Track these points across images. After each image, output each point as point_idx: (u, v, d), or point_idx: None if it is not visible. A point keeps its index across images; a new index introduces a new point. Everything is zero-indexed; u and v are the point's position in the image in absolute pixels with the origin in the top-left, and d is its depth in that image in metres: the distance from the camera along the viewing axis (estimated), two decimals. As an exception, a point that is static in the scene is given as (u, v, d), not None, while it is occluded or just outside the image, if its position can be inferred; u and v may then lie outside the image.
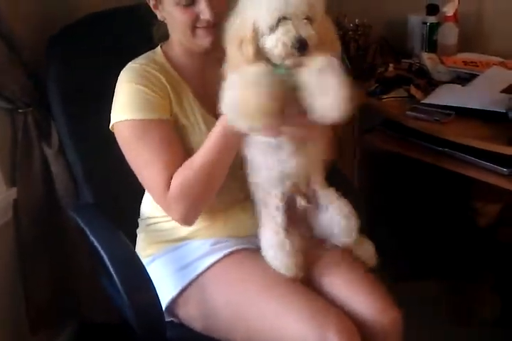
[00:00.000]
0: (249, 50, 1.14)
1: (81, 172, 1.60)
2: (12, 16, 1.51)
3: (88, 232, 1.45)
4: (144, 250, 1.48)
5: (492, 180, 1.70)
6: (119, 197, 1.60)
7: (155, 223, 1.48)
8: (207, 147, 1.26)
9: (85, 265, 1.75)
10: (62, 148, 1.65)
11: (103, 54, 1.60)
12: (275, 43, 1.11)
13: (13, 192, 1.66)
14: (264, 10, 1.12)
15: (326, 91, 1.09)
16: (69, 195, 1.71)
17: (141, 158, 1.32)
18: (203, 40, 1.31)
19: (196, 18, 1.29)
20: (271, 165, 1.28)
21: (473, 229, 2.26)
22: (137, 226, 1.56)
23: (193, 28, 1.31)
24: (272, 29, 1.11)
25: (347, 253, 1.41)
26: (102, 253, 1.35)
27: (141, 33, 1.47)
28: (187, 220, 1.34)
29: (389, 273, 2.22)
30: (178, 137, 1.35)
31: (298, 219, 1.36)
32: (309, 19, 1.11)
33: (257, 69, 1.12)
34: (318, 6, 1.13)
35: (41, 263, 1.73)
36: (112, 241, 1.41)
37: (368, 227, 1.54)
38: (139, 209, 1.55)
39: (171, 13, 1.33)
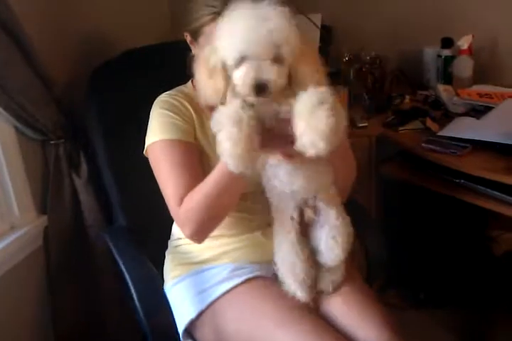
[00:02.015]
0: (218, 82, 1.13)
1: (116, 196, 1.69)
2: (47, 56, 1.59)
3: (115, 254, 1.52)
4: (171, 271, 1.53)
5: (507, 211, 1.73)
6: (151, 221, 1.66)
7: (182, 245, 1.54)
8: (216, 175, 1.26)
9: (112, 290, 1.80)
10: (93, 177, 1.73)
11: (141, 87, 1.68)
12: (238, 81, 1.09)
13: (44, 220, 1.72)
14: (228, 47, 1.10)
15: (312, 120, 1.04)
16: (97, 223, 1.77)
17: (162, 176, 1.39)
18: None
19: None
20: (281, 182, 1.29)
21: (489, 257, 2.28)
22: (166, 249, 1.62)
23: None
24: (237, 65, 1.09)
25: (357, 281, 1.45)
26: (126, 275, 1.42)
27: (178, 67, 1.56)
28: (195, 238, 1.37)
29: (405, 300, 2.26)
30: (199, 159, 1.41)
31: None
32: (277, 60, 1.07)
33: (224, 111, 1.10)
34: (289, 46, 1.07)
35: (69, 288, 1.77)
36: (135, 264, 1.46)
37: (385, 255, 1.59)
38: (170, 232, 1.62)
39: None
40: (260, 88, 1.06)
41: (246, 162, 1.08)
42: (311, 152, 1.06)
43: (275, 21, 1.06)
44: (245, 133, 1.06)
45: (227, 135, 1.06)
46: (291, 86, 1.12)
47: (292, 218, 1.34)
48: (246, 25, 1.07)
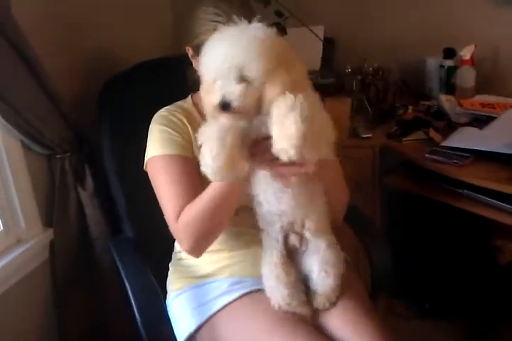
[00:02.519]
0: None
1: (124, 207, 1.71)
2: (54, 72, 1.61)
3: (118, 265, 1.54)
4: (173, 284, 1.55)
5: (510, 220, 1.74)
6: (158, 232, 1.66)
7: (183, 258, 1.56)
8: (210, 190, 1.30)
9: (118, 302, 1.79)
10: (99, 190, 1.75)
11: (151, 99, 1.68)
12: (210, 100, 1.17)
13: (50, 233, 1.74)
14: (204, 69, 1.18)
15: (284, 126, 1.08)
16: (102, 236, 1.78)
17: (162, 191, 1.41)
18: None
19: None
20: (269, 200, 1.31)
21: (494, 267, 2.28)
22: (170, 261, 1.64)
23: None
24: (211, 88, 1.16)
25: (355, 292, 1.45)
26: (127, 287, 1.43)
27: (184, 79, 1.58)
28: (193, 252, 1.39)
29: (410, 310, 2.26)
30: (196, 173, 1.38)
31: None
32: (244, 79, 1.12)
33: (208, 127, 1.18)
34: (252, 67, 1.11)
35: (75, 301, 1.78)
36: (137, 276, 1.48)
37: (390, 266, 1.59)
38: (174, 244, 1.63)
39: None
40: (224, 106, 1.13)
41: (224, 174, 1.14)
42: (283, 157, 1.09)
43: (243, 44, 1.12)
44: (227, 147, 1.12)
45: (209, 149, 1.13)
46: (263, 106, 1.15)
47: (277, 240, 1.36)
48: (217, 49, 1.15)
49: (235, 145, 1.14)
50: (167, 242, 1.62)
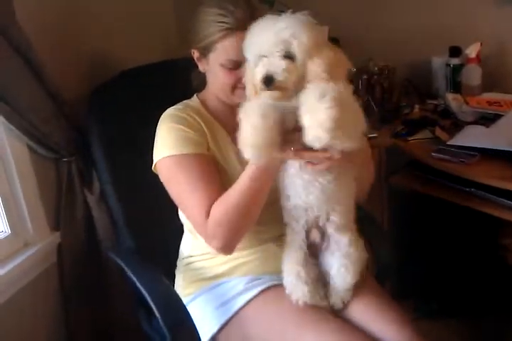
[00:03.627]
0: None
1: (121, 216, 1.68)
2: (57, 75, 1.62)
3: (130, 273, 1.51)
4: (184, 289, 1.54)
5: (517, 219, 1.72)
6: (157, 241, 1.67)
7: (194, 262, 1.55)
8: (242, 184, 1.29)
9: (126, 305, 1.81)
10: (103, 194, 1.74)
11: (141, 105, 1.70)
12: (253, 76, 1.21)
13: (57, 237, 1.75)
14: (248, 50, 1.24)
15: (314, 113, 1.09)
16: (109, 239, 1.79)
17: (182, 191, 1.39)
18: (241, 99, 1.34)
19: (239, 81, 1.37)
20: (298, 192, 1.31)
21: (502, 266, 2.26)
22: (175, 268, 1.63)
23: (234, 88, 1.41)
24: (256, 64, 1.21)
25: (370, 283, 1.48)
26: (144, 292, 1.41)
27: (178, 84, 1.58)
28: (225, 250, 1.38)
29: (418, 310, 2.25)
30: (215, 170, 1.41)
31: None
32: (288, 57, 1.16)
33: (252, 103, 1.21)
34: (297, 43, 1.16)
35: (83, 304, 1.79)
36: (153, 281, 1.47)
37: (397, 266, 1.59)
38: (177, 252, 1.62)
39: (214, 71, 1.42)
40: (268, 80, 1.15)
41: (264, 153, 1.15)
42: (316, 145, 1.10)
43: (285, 21, 1.18)
44: (269, 124, 1.13)
45: (251, 124, 1.14)
46: (305, 84, 1.17)
47: (300, 236, 1.37)
48: (260, 29, 1.21)
49: (277, 124, 1.14)
50: (167, 250, 1.62)
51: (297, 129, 1.14)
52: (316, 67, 1.16)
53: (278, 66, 1.15)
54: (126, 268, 1.54)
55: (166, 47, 2.29)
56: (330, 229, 1.37)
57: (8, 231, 1.65)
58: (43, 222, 1.72)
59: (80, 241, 1.76)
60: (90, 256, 1.78)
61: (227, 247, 1.36)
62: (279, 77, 1.15)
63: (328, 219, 1.35)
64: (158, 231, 1.59)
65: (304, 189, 1.29)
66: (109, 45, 1.98)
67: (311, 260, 1.38)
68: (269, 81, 1.15)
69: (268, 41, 1.17)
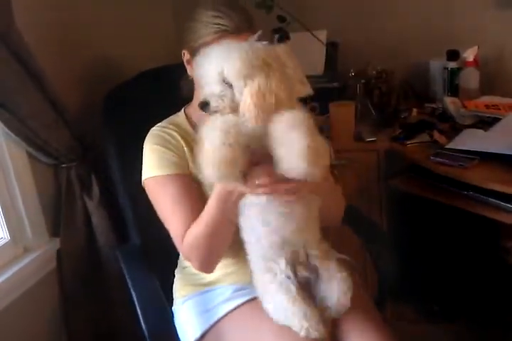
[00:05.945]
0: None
1: (131, 215, 1.71)
2: (58, 81, 1.63)
3: (125, 273, 1.55)
4: (179, 291, 1.56)
5: (515, 222, 1.72)
6: (164, 240, 1.67)
7: (188, 266, 1.55)
8: (210, 206, 1.30)
9: (126, 311, 1.80)
10: (105, 199, 1.76)
11: (154, 108, 1.69)
12: None
13: (56, 243, 1.75)
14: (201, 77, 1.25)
15: (290, 144, 1.08)
16: (109, 244, 1.79)
17: (164, 210, 1.42)
18: None
19: None
20: (270, 230, 1.27)
21: (503, 268, 2.26)
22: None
23: None
24: None
25: (361, 303, 1.42)
26: (133, 294, 1.44)
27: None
28: (203, 270, 1.41)
29: (419, 313, 2.25)
30: (195, 190, 1.42)
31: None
32: (227, 83, 1.17)
33: (215, 120, 1.17)
34: (230, 70, 1.15)
35: (83, 309, 1.80)
36: (142, 284, 1.50)
37: (395, 271, 1.59)
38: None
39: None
40: (203, 105, 1.19)
41: (223, 171, 1.12)
42: (292, 175, 1.11)
43: (226, 52, 1.18)
44: (230, 140, 1.11)
45: (210, 140, 1.12)
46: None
47: (288, 276, 1.28)
48: (206, 56, 1.22)
49: (238, 142, 1.12)
50: (173, 249, 1.62)
51: (265, 159, 1.14)
52: (246, 92, 1.15)
53: (213, 92, 1.18)
54: (123, 266, 1.58)
55: (167, 53, 2.29)
56: (315, 262, 1.33)
57: (8, 237, 1.65)
58: (43, 228, 1.73)
59: (80, 247, 1.77)
60: (90, 261, 1.79)
61: (204, 268, 1.40)
62: (213, 102, 1.18)
63: (307, 255, 1.32)
64: (164, 230, 1.59)
65: (281, 220, 1.26)
66: (110, 52, 1.99)
67: (302, 293, 1.29)
68: (204, 106, 1.19)
69: (209, 69, 1.19)
